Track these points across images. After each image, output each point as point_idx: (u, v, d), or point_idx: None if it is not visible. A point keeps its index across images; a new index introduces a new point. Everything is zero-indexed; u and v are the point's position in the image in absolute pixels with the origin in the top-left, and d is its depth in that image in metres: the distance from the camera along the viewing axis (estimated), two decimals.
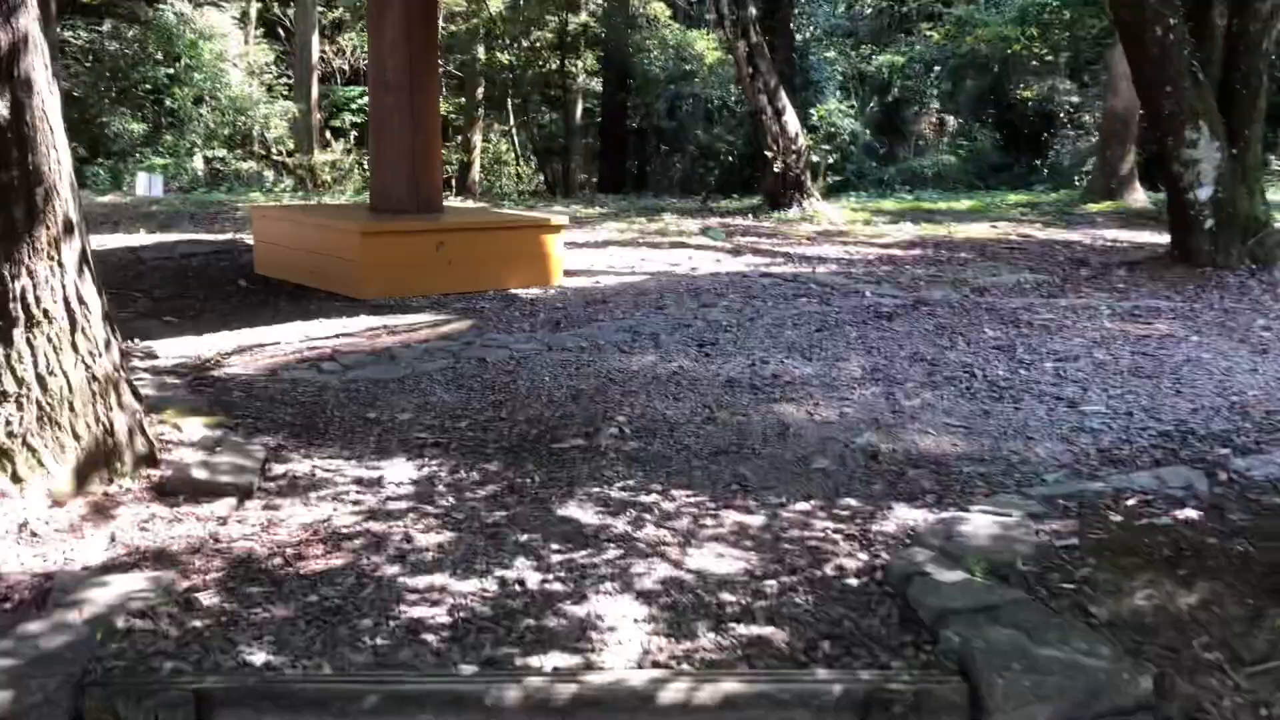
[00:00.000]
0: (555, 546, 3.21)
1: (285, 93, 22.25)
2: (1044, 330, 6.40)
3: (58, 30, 21.73)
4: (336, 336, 5.86)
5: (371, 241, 6.72)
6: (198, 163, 20.51)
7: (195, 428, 4.15)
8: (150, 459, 3.69)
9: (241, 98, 20.84)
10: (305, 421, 4.45)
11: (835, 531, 3.43)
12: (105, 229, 11.43)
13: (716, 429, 4.50)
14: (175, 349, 5.61)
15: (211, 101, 20.51)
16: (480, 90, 22.88)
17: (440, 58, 24.00)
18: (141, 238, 9.96)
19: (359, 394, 4.87)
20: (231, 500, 3.48)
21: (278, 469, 3.84)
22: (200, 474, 3.57)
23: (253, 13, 22.73)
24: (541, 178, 24.27)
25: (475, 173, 22.97)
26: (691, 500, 3.69)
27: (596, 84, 24.28)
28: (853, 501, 3.71)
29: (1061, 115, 22.01)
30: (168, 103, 20.41)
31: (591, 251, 9.80)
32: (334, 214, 7.29)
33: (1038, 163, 21.60)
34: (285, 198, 18.11)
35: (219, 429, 4.20)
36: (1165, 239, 12.47)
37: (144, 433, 3.70)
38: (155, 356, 5.45)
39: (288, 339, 5.79)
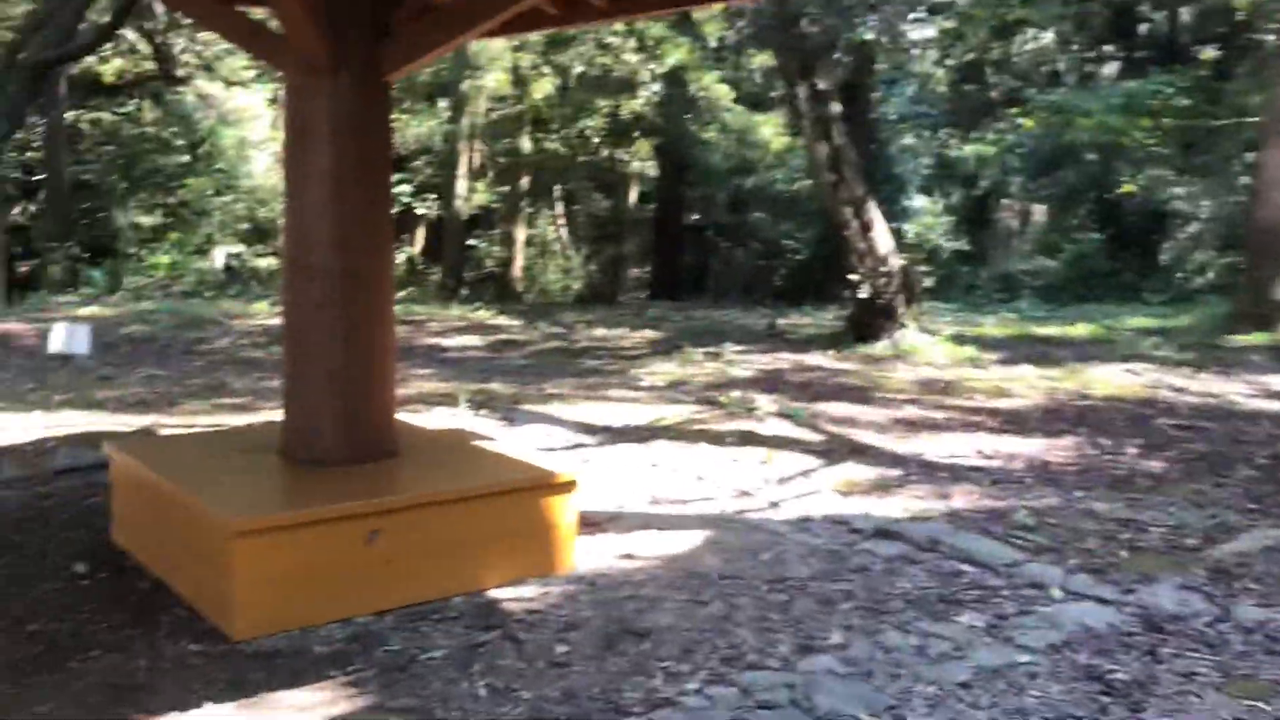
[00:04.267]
0: None
1: None
2: None
3: (66, 113, 19.47)
4: None
5: (249, 547, 3.86)
6: (217, 259, 18.02)
7: None
8: None
9: (264, 188, 18.37)
10: None
11: None
12: (22, 386, 8.76)
13: None
14: None
15: (229, 193, 18.05)
16: (526, 180, 20.25)
17: (482, 145, 21.51)
18: (36, 421, 7.23)
19: None
20: None
21: None
22: None
23: (283, 95, 20.35)
24: (587, 272, 21.53)
25: (517, 269, 20.30)
26: None
27: (652, 168, 21.57)
28: None
29: (1174, 215, 18.84)
30: (181, 193, 18.00)
31: (630, 452, 6.90)
32: (211, 475, 4.34)
33: (1147, 270, 18.42)
34: None
35: None
36: None
37: None
38: None
39: None
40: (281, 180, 18.17)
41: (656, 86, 18.82)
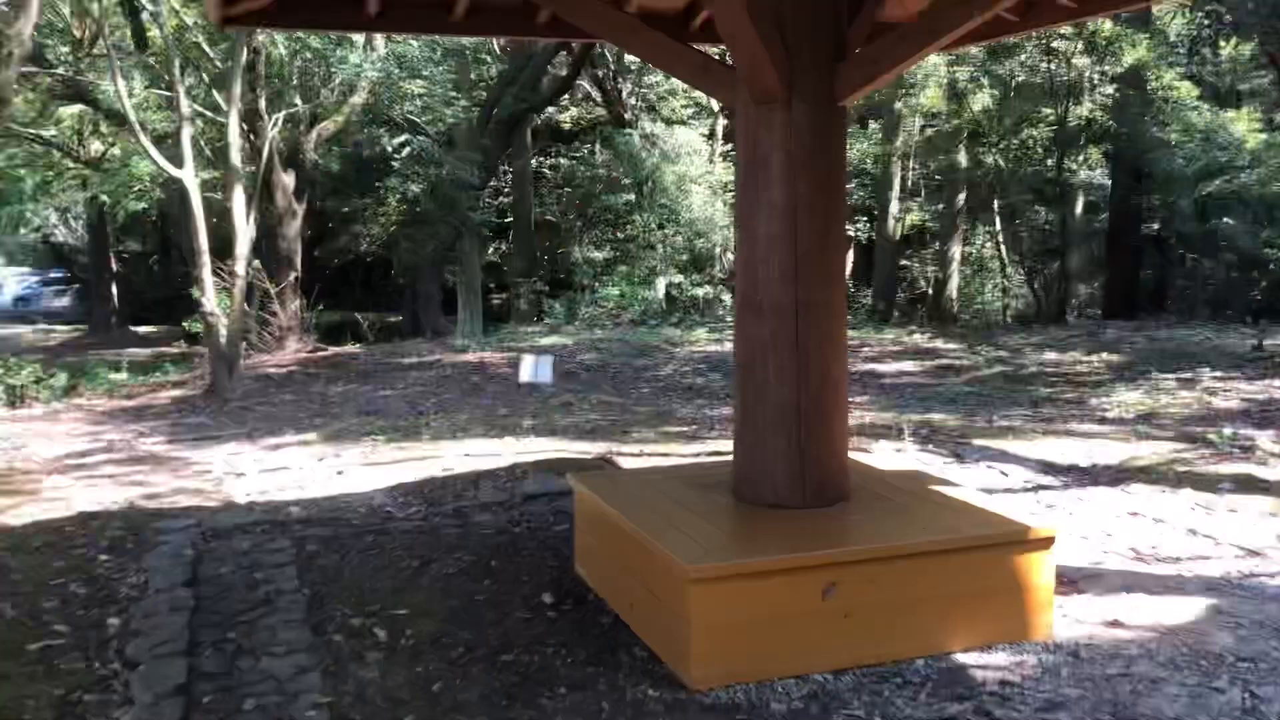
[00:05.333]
0: None
1: None
2: None
3: (530, 160, 21.30)
4: None
5: (706, 594, 3.76)
6: (659, 289, 18.84)
7: None
8: None
9: (701, 220, 18.98)
10: None
11: None
12: (496, 412, 9.48)
13: None
14: None
15: (671, 226, 18.83)
16: (962, 196, 19.35)
17: (914, 164, 20.86)
18: (508, 446, 7.75)
19: None
20: None
21: None
22: None
23: (719, 129, 20.97)
24: (1030, 290, 20.13)
25: (952, 289, 19.42)
26: None
27: (1101, 176, 19.79)
28: None
29: None
30: (629, 229, 19.03)
31: (1102, 496, 6.13)
32: (668, 517, 4.28)
33: None
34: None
35: None
36: None
37: None
38: None
39: None
40: (717, 212, 18.59)
41: (1108, 89, 17.23)
